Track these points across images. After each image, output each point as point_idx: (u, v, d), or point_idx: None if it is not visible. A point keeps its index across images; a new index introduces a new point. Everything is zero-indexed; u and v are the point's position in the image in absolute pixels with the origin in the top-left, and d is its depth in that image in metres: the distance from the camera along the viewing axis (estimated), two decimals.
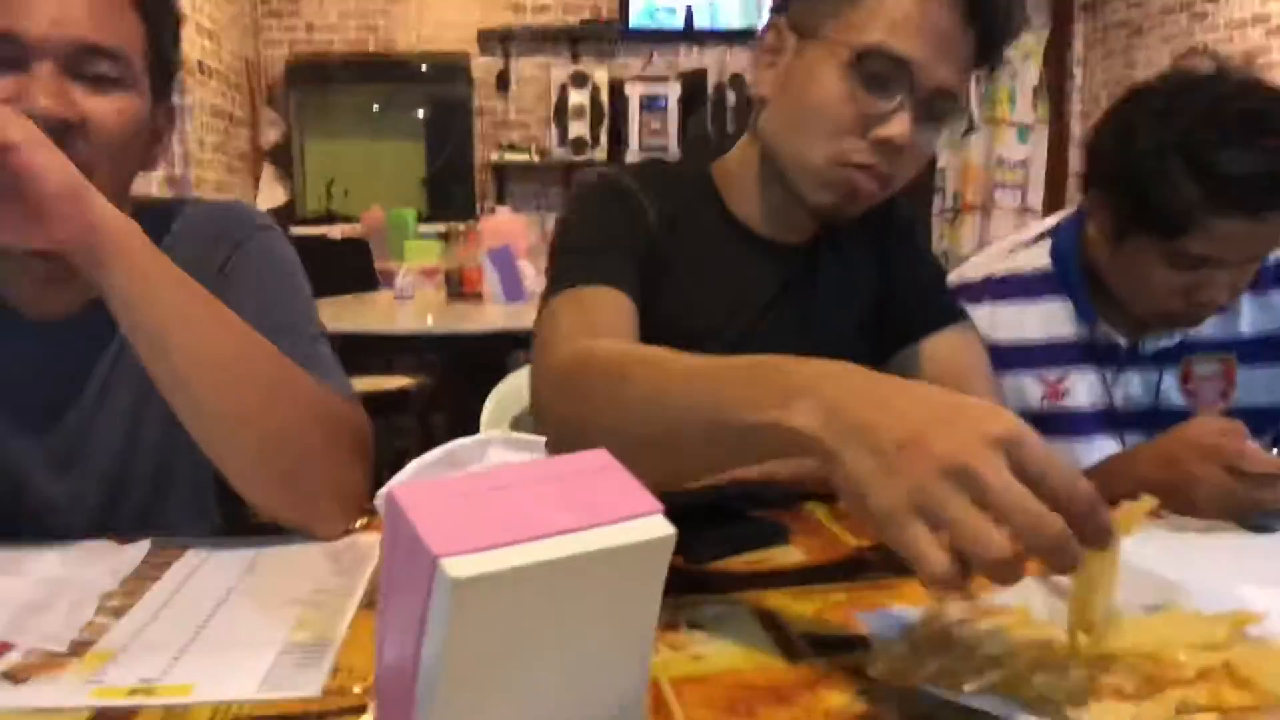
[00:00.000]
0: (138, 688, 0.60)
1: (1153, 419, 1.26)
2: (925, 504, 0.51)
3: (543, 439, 0.56)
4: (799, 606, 0.71)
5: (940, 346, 1.05)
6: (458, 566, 0.44)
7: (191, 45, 3.78)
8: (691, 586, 0.75)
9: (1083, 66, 6.22)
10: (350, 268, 3.79)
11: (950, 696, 0.54)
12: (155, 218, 1.02)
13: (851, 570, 0.79)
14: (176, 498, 1.01)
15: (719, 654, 0.64)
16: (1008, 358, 1.27)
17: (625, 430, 0.68)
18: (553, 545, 0.46)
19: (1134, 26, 5.71)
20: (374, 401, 3.29)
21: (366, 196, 4.99)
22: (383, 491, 0.49)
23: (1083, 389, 1.27)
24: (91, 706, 0.58)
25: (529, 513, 0.47)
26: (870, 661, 0.58)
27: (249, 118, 4.84)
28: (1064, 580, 0.68)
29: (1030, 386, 1.27)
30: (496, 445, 0.55)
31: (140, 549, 0.84)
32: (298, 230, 4.91)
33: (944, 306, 1.09)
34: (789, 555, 0.82)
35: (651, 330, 0.93)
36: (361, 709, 0.58)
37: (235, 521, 1.02)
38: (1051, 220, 1.35)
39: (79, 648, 0.66)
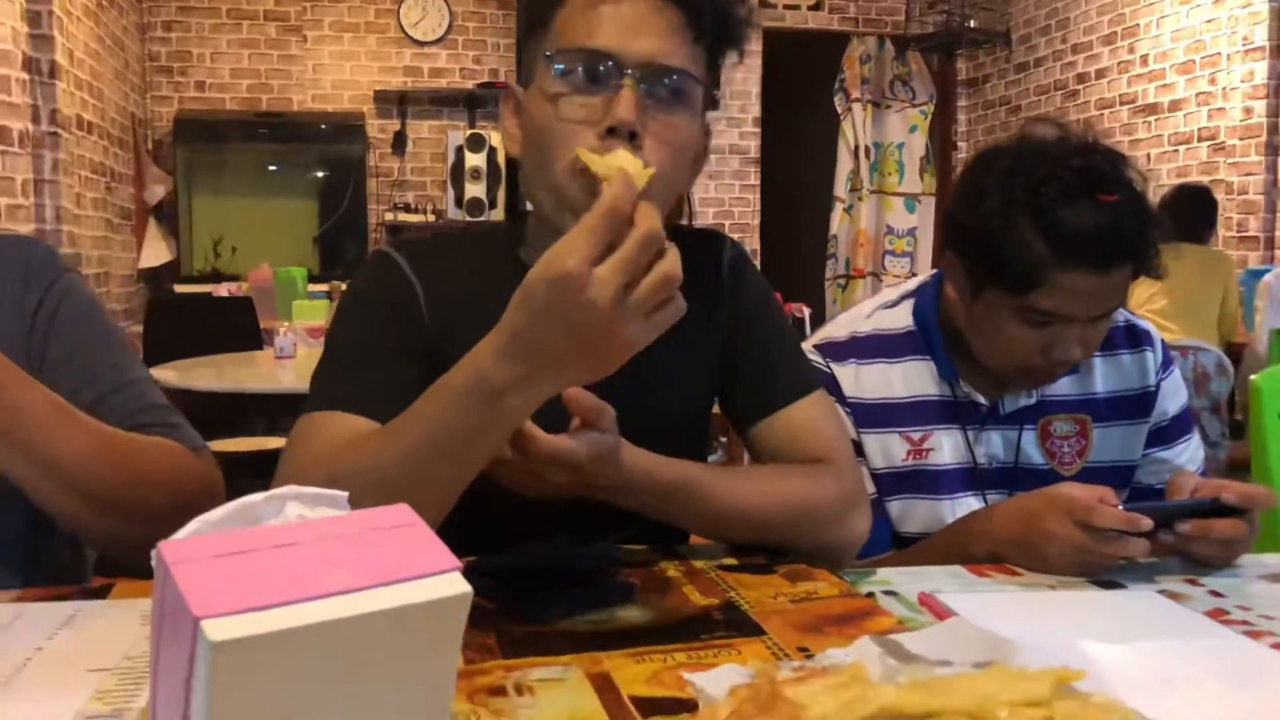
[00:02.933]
0: None
1: (1013, 477, 1.28)
2: None
3: (345, 494, 0.53)
4: (635, 668, 0.69)
5: (800, 416, 1.04)
6: (219, 628, 0.40)
7: (70, 99, 3.67)
8: (526, 649, 0.72)
9: (966, 140, 6.48)
10: (234, 326, 3.68)
11: None
12: None
13: (696, 630, 0.77)
14: None
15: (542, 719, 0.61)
16: (872, 416, 1.28)
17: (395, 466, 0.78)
18: (329, 606, 0.43)
19: (1012, 104, 5.98)
20: (254, 462, 3.17)
21: (256, 255, 4.88)
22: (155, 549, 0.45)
23: (946, 447, 1.28)
24: None
25: (309, 571, 0.44)
26: None
27: (133, 175, 4.71)
28: (902, 640, 0.67)
29: (895, 444, 1.28)
30: (294, 500, 0.52)
31: None
32: (181, 288, 4.78)
33: (802, 376, 1.08)
34: (634, 615, 0.80)
35: None
36: None
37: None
38: (913, 282, 1.37)
39: None
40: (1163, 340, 1.33)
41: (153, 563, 0.47)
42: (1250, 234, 4.29)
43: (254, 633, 0.41)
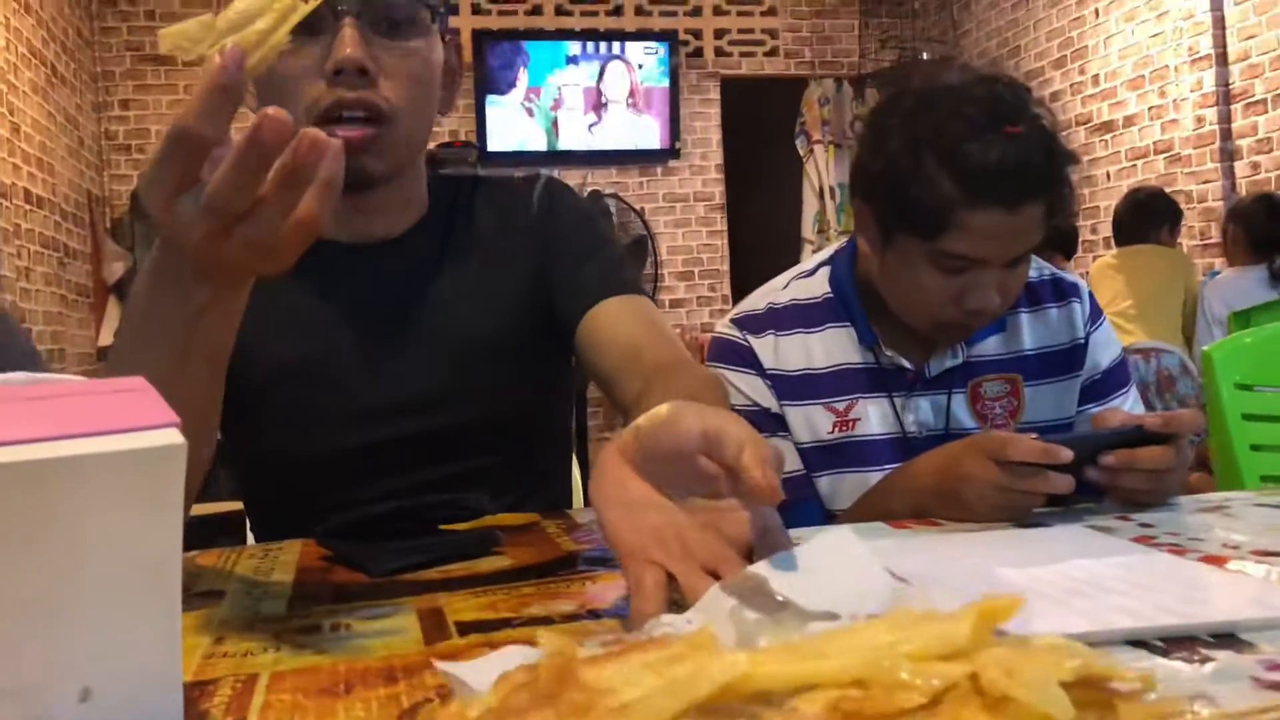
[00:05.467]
0: None
1: (944, 443, 1.21)
2: None
3: (83, 379, 0.47)
4: (472, 601, 0.62)
5: (605, 315, 1.00)
6: None
7: (15, 171, 3.64)
8: (360, 597, 0.65)
9: None
10: None
11: None
12: None
13: (553, 568, 0.70)
14: None
15: (347, 648, 0.54)
16: (795, 388, 1.22)
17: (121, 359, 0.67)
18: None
19: None
20: (223, 524, 3.07)
21: None
22: None
23: (873, 416, 1.22)
24: None
25: None
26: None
27: (89, 251, 4.67)
28: (768, 578, 0.49)
29: (820, 417, 1.22)
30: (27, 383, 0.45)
31: None
32: None
33: (618, 279, 1.04)
34: (493, 563, 0.73)
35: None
36: None
37: None
38: (830, 249, 1.32)
39: None
40: (1091, 293, 1.28)
41: None
42: (1213, 241, 4.27)
43: None
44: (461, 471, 0.97)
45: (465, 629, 0.55)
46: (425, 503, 0.76)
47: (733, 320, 1.27)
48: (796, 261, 6.38)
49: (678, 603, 0.50)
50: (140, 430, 0.40)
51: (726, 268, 6.06)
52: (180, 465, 0.40)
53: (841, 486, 1.21)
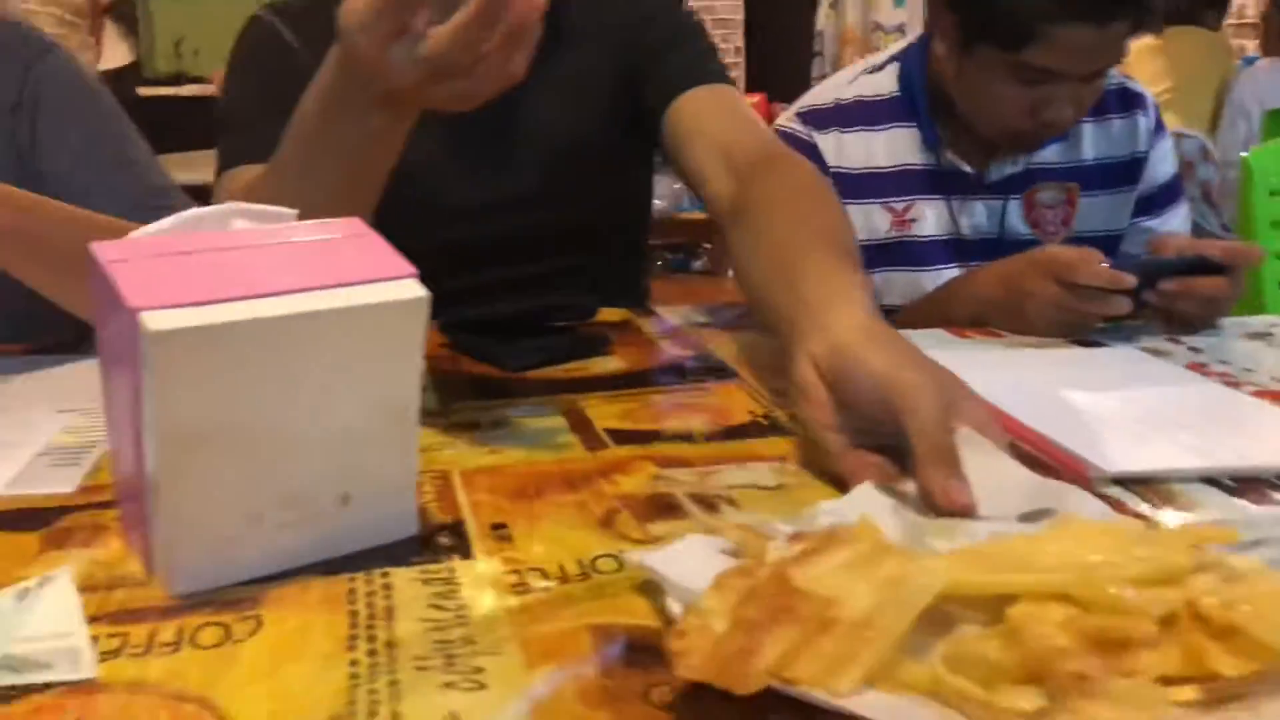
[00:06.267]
0: None
1: (997, 248, 1.25)
2: None
3: (294, 210, 0.50)
4: (608, 407, 0.68)
5: (691, 106, 0.99)
6: (159, 320, 0.38)
7: None
8: (501, 393, 0.71)
9: None
10: (200, 128, 3.56)
11: (818, 700, 0.34)
12: None
13: (670, 375, 0.76)
14: None
15: (517, 447, 0.61)
16: (855, 185, 1.24)
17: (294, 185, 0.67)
18: (275, 304, 0.41)
19: None
20: None
21: (220, 56, 4.67)
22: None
23: (930, 217, 1.25)
24: None
25: (253, 271, 0.42)
26: (677, 652, 0.35)
27: None
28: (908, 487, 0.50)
29: (878, 215, 1.25)
30: (241, 216, 0.49)
31: None
32: (145, 91, 4.60)
33: (694, 66, 1.03)
34: (608, 364, 0.79)
35: None
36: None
37: None
38: (899, 44, 1.31)
39: None
40: (1155, 103, 1.29)
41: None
42: (1249, 20, 4.14)
43: (196, 324, 0.39)
44: (545, 272, 1.01)
45: (619, 438, 0.62)
46: (541, 303, 0.81)
47: (798, 114, 1.27)
48: (812, 17, 6.12)
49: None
50: (385, 281, 0.44)
51: (740, 18, 5.85)
52: (423, 316, 0.45)
53: (893, 284, 1.26)
